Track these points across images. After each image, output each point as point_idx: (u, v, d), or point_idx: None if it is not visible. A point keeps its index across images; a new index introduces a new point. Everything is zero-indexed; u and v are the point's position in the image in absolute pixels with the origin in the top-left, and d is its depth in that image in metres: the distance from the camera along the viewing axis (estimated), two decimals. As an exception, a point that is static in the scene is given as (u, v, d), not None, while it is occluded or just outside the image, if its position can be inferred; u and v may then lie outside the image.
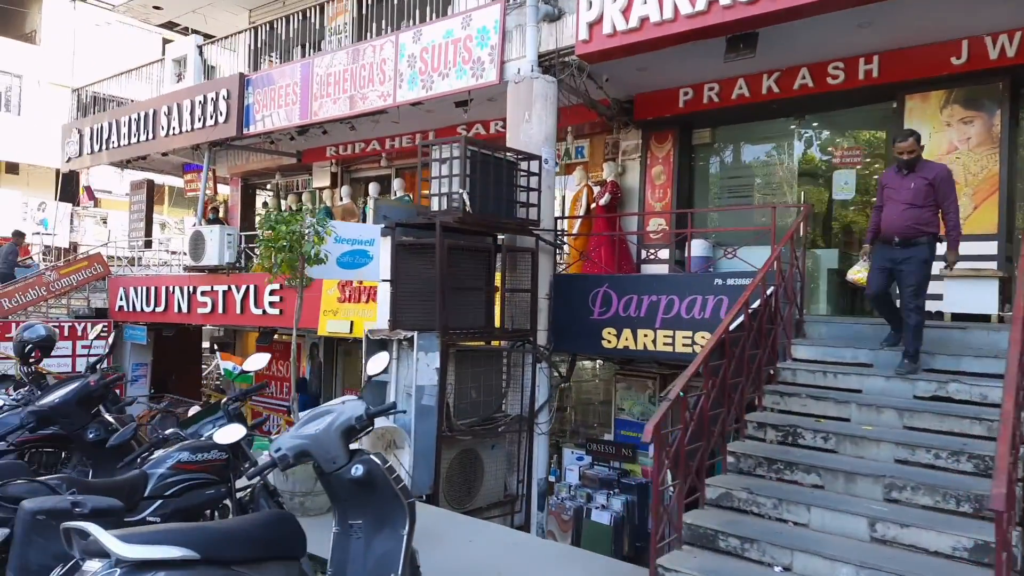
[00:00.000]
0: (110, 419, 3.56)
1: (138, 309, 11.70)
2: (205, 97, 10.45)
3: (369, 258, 5.21)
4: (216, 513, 3.25)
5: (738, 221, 7.72)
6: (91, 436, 3.42)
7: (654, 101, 7.86)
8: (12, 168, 26.29)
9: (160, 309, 11.29)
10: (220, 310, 10.34)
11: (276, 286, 9.63)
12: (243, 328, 12.97)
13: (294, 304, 9.86)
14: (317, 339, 12.23)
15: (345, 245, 4.98)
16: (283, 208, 12.57)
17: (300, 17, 10.68)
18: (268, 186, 14.24)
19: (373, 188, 10.61)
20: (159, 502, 2.97)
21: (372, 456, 2.68)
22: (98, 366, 4.21)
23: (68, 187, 27.90)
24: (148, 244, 14.77)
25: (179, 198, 25.82)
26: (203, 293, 10.60)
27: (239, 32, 12.12)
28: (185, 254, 14.78)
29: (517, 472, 6.21)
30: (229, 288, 10.21)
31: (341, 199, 11.06)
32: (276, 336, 11.93)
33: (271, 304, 9.62)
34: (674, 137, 7.93)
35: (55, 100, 26.37)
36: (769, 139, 7.66)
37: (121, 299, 12.02)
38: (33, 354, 4.68)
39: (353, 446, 2.71)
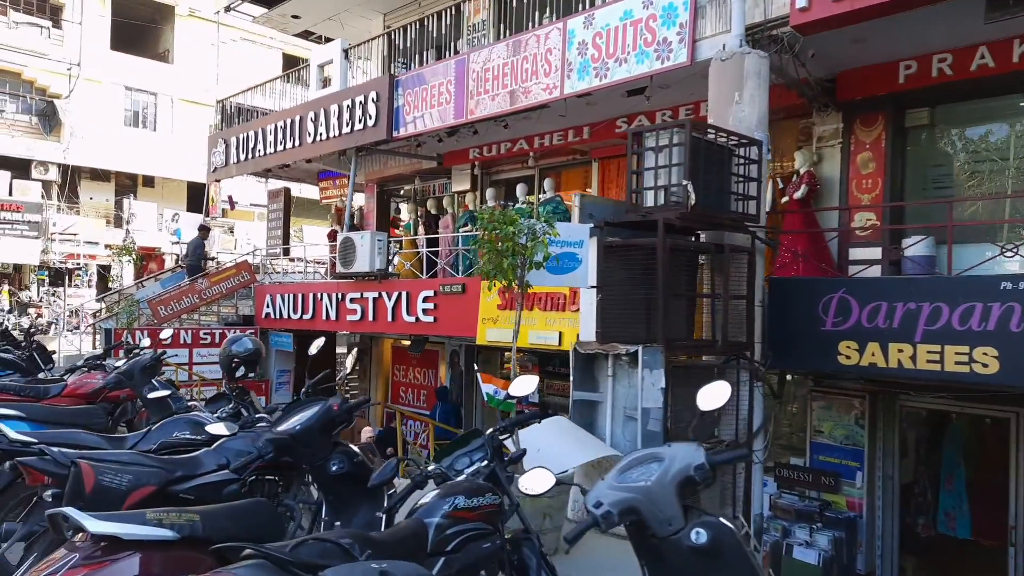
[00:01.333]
0: (354, 448, 3.17)
1: (284, 316, 11.77)
2: (353, 101, 10.31)
3: (578, 261, 4.65)
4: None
5: (960, 215, 6.69)
6: (334, 469, 3.03)
7: (863, 78, 6.91)
8: (148, 181, 27.93)
9: (307, 316, 11.29)
10: (370, 317, 10.16)
11: (431, 292, 9.37)
12: (381, 335, 12.87)
13: (449, 311, 9.64)
14: (457, 346, 11.93)
15: (555, 248, 4.44)
16: (417, 214, 12.37)
17: (435, 19, 10.40)
18: (402, 192, 14.15)
19: (521, 189, 10.13)
20: (442, 560, 2.50)
21: (719, 519, 2.13)
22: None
23: (198, 199, 29.45)
24: (286, 252, 15.04)
25: (298, 207, 26.67)
26: (352, 300, 10.47)
27: (373, 38, 12.04)
28: (317, 261, 15.08)
29: (732, 507, 5.48)
30: (380, 295, 10.01)
31: (485, 202, 10.68)
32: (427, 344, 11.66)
33: (424, 312, 9.32)
34: (885, 119, 6.94)
35: (186, 116, 27.87)
36: (1010, 117, 6.56)
37: (267, 306, 12.15)
38: (241, 369, 4.44)
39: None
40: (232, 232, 28.47)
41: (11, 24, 22.96)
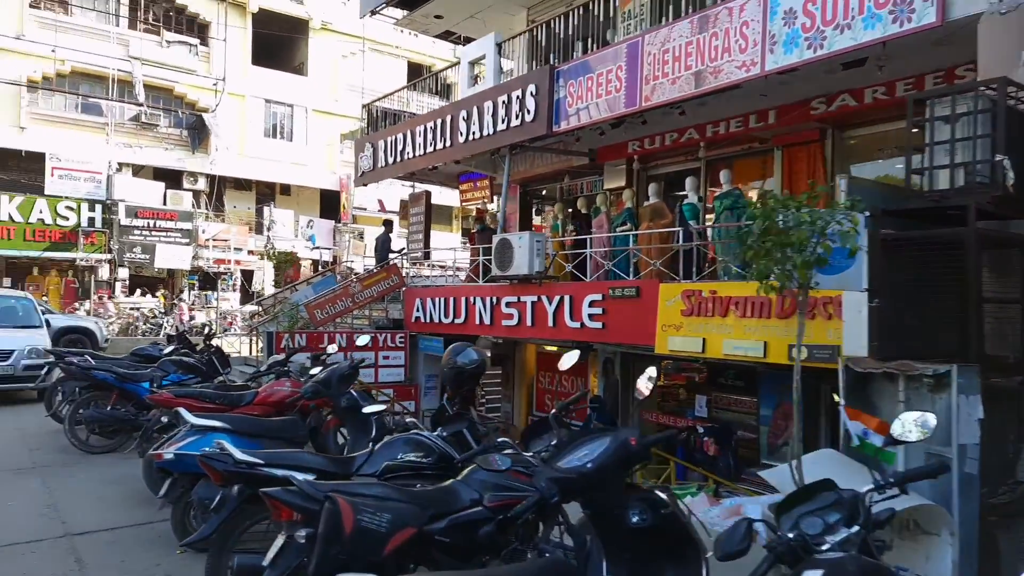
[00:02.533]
0: (661, 495, 2.57)
1: (434, 320, 11.49)
2: (509, 96, 9.84)
3: (850, 259, 3.80)
4: None
5: None
6: (635, 521, 2.41)
7: None
8: (285, 189, 29.06)
9: (459, 320, 10.93)
10: (528, 322, 9.63)
11: (598, 296, 8.70)
12: (525, 340, 12.38)
13: (620, 317, 8.95)
14: (612, 354, 11.23)
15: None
16: (565, 215, 11.77)
17: (580, 12, 9.74)
18: (544, 192, 13.63)
19: (690, 183, 9.27)
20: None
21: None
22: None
23: (329, 205, 30.41)
24: (427, 255, 14.90)
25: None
26: (508, 304, 9.99)
27: (520, 33, 11.53)
28: (451, 265, 14.84)
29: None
30: (539, 299, 9.46)
31: (648, 198, 9.91)
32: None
33: (591, 317, 8.66)
34: None
35: (318, 127, 28.82)
36: None
37: (417, 310, 11.92)
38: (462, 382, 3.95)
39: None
40: (362, 238, 29.13)
41: (164, 43, 24.40)
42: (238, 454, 3.34)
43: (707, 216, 9.49)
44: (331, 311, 11.84)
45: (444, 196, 30.15)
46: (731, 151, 9.60)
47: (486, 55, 10.56)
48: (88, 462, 6.92)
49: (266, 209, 27.31)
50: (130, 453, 7.17)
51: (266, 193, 28.58)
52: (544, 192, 13.54)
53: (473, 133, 10.52)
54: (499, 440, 3.80)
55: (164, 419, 5.31)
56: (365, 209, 29.19)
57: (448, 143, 11.10)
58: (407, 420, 3.97)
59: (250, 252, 26.35)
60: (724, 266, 8.04)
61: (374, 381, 11.18)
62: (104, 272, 23.48)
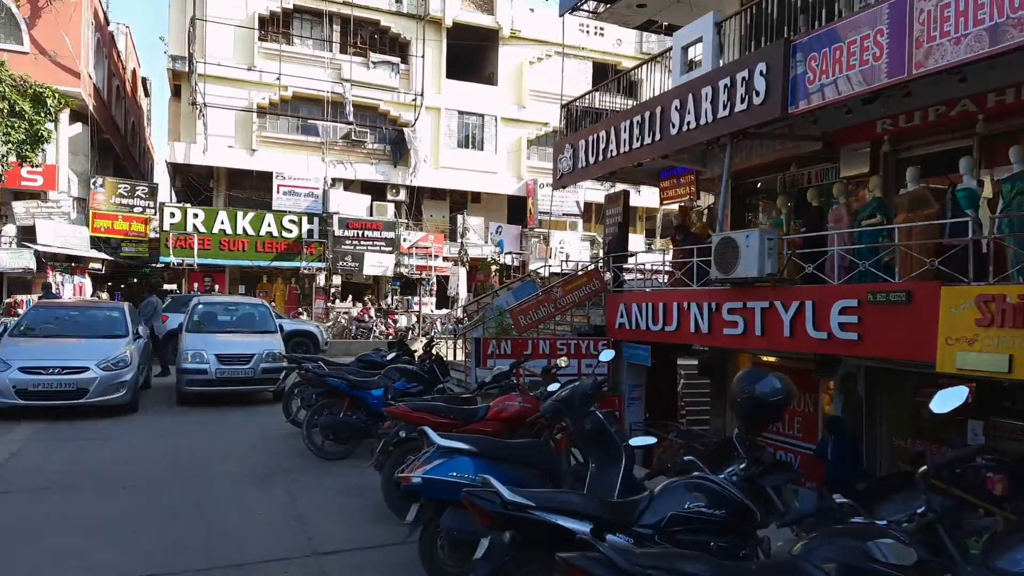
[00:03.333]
0: None
1: (641, 327, 10.77)
2: (733, 79, 8.85)
3: None
4: None
5: None
6: None
7: None
8: (476, 197, 29.83)
9: (670, 328, 10.11)
10: (757, 331, 8.59)
11: (852, 302, 7.47)
12: (753, 351, 11.24)
13: (881, 327, 7.63)
14: (855, 368, 9.80)
15: None
16: (788, 208, 10.46)
17: None
18: (759, 184, 12.36)
19: (965, 164, 7.68)
20: None
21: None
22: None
23: (515, 212, 30.78)
24: (625, 258, 14.21)
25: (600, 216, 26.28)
26: (731, 311, 9.02)
27: (739, 11, 10.44)
28: (647, 267, 13.98)
29: None
30: (771, 305, 8.40)
31: (906, 185, 8.43)
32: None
33: (842, 327, 7.45)
34: None
35: (505, 135, 29.23)
36: None
37: (621, 316, 11.28)
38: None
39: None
40: (547, 242, 29.11)
41: (370, 64, 25.94)
42: (507, 493, 2.87)
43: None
44: (534, 317, 11.53)
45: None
46: (1018, 124, 7.87)
47: (702, 37, 9.65)
48: (324, 468, 7.04)
49: (459, 217, 28.11)
50: (362, 460, 7.22)
51: (459, 201, 29.47)
52: (759, 185, 12.27)
53: (688, 123, 9.64)
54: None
55: (402, 434, 5.12)
56: (548, 214, 29.11)
57: (657, 137, 10.32)
58: (685, 459, 3.31)
59: (445, 258, 27.27)
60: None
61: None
62: (321, 280, 25.45)
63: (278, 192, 25.14)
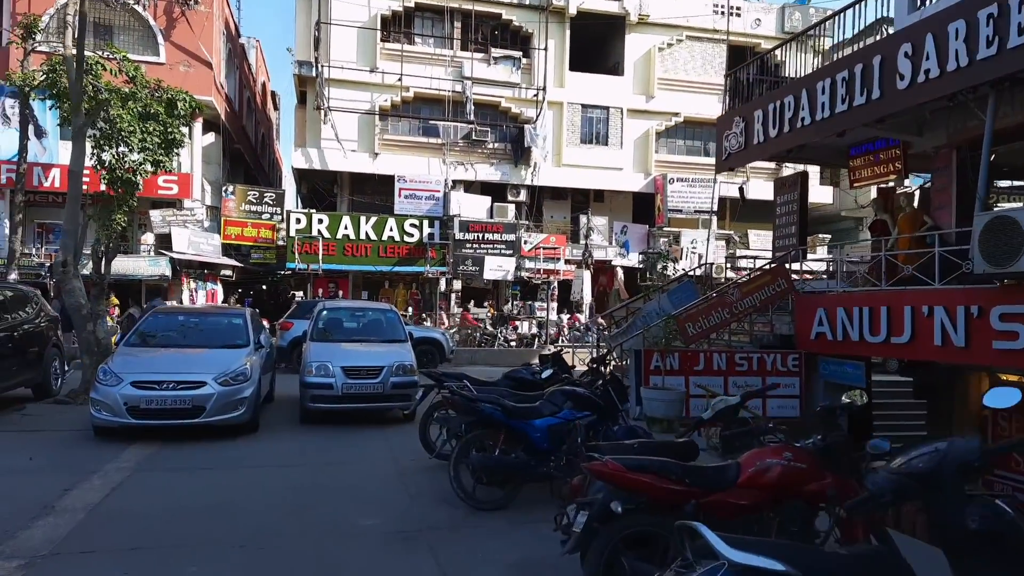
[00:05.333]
0: None
1: (851, 338, 8.44)
2: (1003, 4, 6.51)
3: None
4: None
5: None
6: None
7: None
8: (599, 196, 27.86)
9: (899, 339, 7.73)
10: (1054, 345, 6.17)
11: None
12: (975, 368, 8.65)
13: None
14: None
15: None
16: None
17: None
18: (999, 155, 9.66)
19: None
20: None
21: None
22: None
23: (641, 210, 28.49)
24: (803, 252, 11.83)
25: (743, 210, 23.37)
26: (1007, 318, 6.61)
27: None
28: (844, 263, 11.36)
29: None
30: (1082, 308, 5.97)
31: None
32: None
33: None
34: None
35: (631, 128, 27.03)
36: None
37: (819, 324, 8.96)
38: None
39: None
40: (678, 241, 26.65)
41: (491, 60, 24.59)
42: None
43: None
44: (704, 325, 9.42)
45: (762, 189, 26.34)
46: None
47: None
48: (480, 524, 5.31)
49: (582, 217, 26.22)
50: (527, 513, 5.47)
51: (580, 201, 27.60)
52: (998, 156, 9.57)
53: (925, 72, 7.28)
54: None
55: (617, 508, 3.27)
56: (680, 211, 26.65)
57: (874, 95, 7.98)
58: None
59: (567, 261, 25.45)
60: None
61: (761, 415, 8.48)
62: (442, 284, 24.32)
63: (399, 196, 24.26)
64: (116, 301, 18.24)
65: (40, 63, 15.31)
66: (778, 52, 12.52)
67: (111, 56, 12.67)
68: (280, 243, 23.80)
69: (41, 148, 20.29)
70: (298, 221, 22.92)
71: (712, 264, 16.04)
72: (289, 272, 25.20)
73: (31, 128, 19.41)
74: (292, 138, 26.09)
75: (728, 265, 16.48)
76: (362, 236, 23.37)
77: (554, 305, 24.91)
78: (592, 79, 25.91)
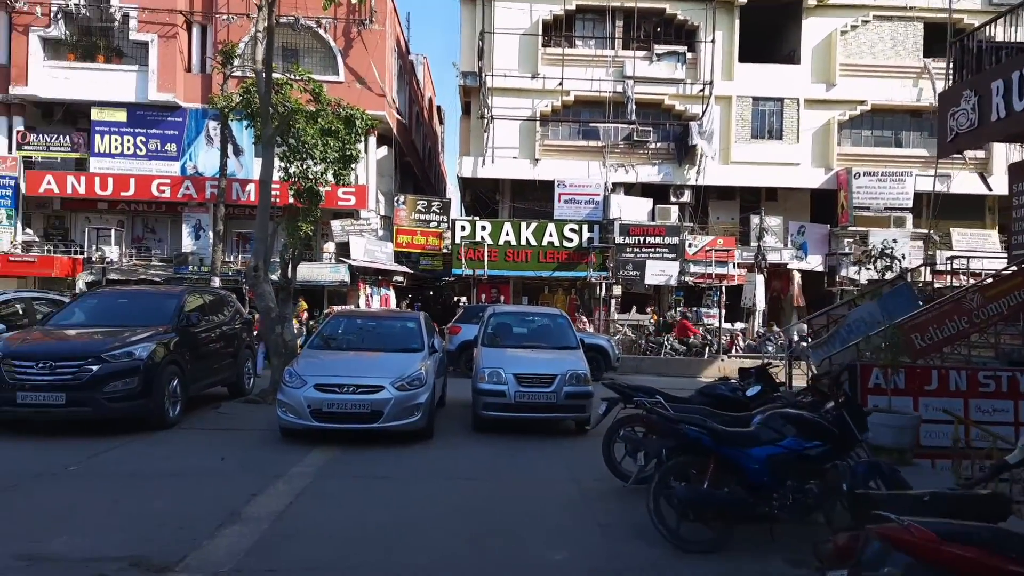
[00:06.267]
0: None
1: None
2: None
3: None
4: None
5: None
6: None
7: None
8: (771, 194, 25.66)
9: None
10: None
11: None
12: None
13: None
14: None
15: None
16: None
17: None
18: None
19: None
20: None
21: None
22: None
23: (821, 209, 25.81)
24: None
25: (943, 208, 20.12)
26: None
27: None
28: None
29: None
30: None
31: None
32: None
33: None
34: None
35: (809, 119, 24.50)
36: None
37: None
38: None
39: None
40: (865, 241, 23.75)
41: (653, 58, 23.44)
42: None
43: None
44: (936, 336, 7.81)
45: (967, 183, 22.74)
46: None
47: None
48: (685, 569, 4.43)
49: (753, 217, 24.22)
50: (737, 560, 4.51)
51: (750, 200, 25.57)
52: None
53: None
54: None
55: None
56: (867, 209, 23.79)
57: None
58: None
59: (737, 265, 23.57)
60: None
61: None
62: (600, 289, 23.45)
63: (559, 200, 23.76)
64: (306, 305, 19.28)
65: (237, 86, 16.49)
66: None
67: (298, 77, 13.31)
68: (445, 250, 24.19)
69: (239, 165, 22.07)
70: (462, 228, 23.12)
71: (910, 268, 13.82)
72: (453, 278, 25.58)
73: (230, 147, 21.17)
74: (456, 149, 26.58)
75: (929, 268, 14.15)
76: (523, 242, 23.13)
77: (721, 312, 23.15)
78: (764, 70, 23.92)
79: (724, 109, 23.91)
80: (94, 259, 22.09)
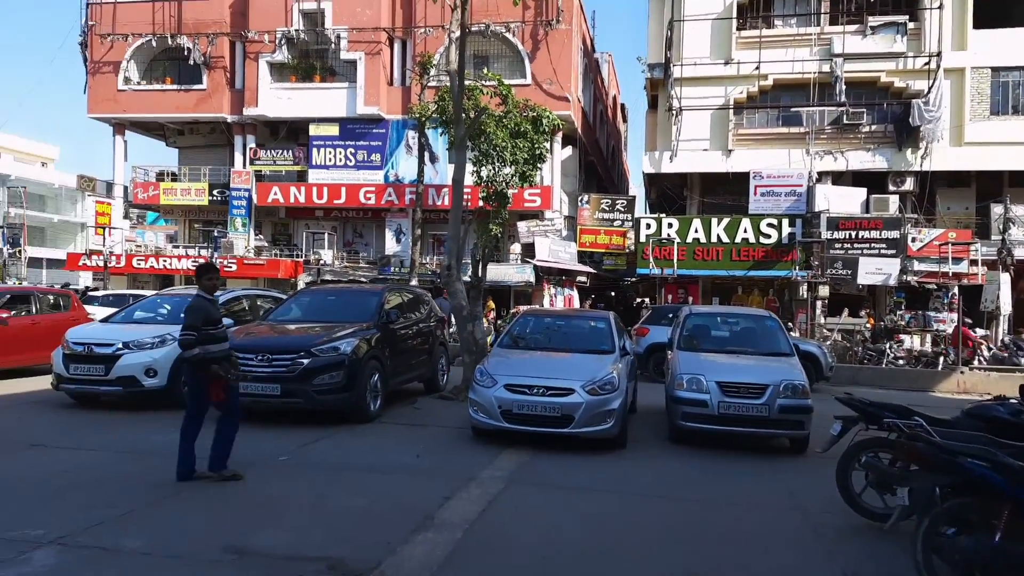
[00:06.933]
0: None
1: None
2: None
3: None
4: None
5: None
6: None
7: None
8: (1018, 179, 21.63)
9: None
10: None
11: None
12: None
13: None
14: None
15: None
16: None
17: None
18: None
19: None
20: None
21: None
22: None
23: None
24: None
25: None
26: None
27: None
28: None
29: None
30: None
31: None
32: None
33: None
34: None
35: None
36: None
37: None
38: None
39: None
40: None
41: (867, 31, 20.76)
42: None
43: None
44: None
45: None
46: None
47: None
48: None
49: (995, 207, 20.57)
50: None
51: (988, 186, 21.79)
52: None
53: None
54: None
55: None
56: None
57: None
58: None
59: (972, 262, 20.08)
60: None
61: None
62: (802, 290, 21.19)
63: (755, 193, 21.91)
64: (492, 305, 19.59)
65: (433, 96, 17.08)
66: None
67: (488, 82, 13.50)
68: (629, 249, 23.37)
69: (434, 171, 23.02)
70: (647, 226, 22.16)
71: None
72: (637, 278, 24.65)
73: (426, 154, 22.13)
74: (641, 146, 25.65)
75: None
76: (713, 239, 21.63)
77: (952, 316, 19.85)
78: (1006, 36, 20.29)
79: (955, 83, 20.61)
80: (311, 261, 24.29)
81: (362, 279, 22.77)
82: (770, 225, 21.38)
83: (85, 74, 25.34)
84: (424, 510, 5.03)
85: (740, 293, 22.86)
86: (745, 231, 21.49)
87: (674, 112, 21.68)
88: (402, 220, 24.06)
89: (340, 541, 4.38)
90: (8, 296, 11.50)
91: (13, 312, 11.16)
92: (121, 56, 24.95)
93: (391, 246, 24.44)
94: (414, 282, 20.59)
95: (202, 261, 6.48)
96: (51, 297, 12.45)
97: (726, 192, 22.98)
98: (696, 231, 21.78)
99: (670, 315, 14.63)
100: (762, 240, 21.42)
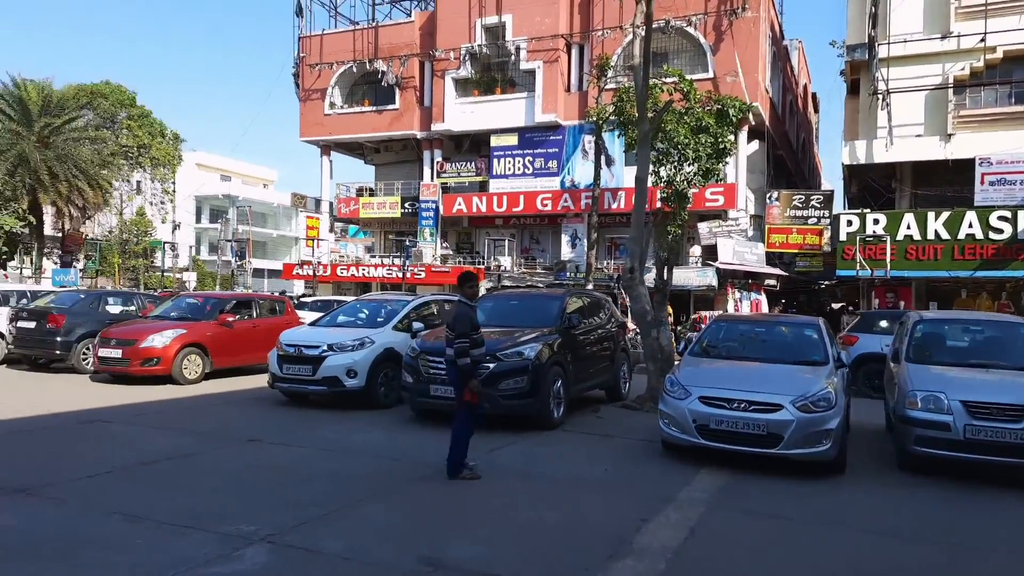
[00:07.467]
0: None
1: None
2: None
3: None
4: None
5: None
6: None
7: None
8: None
9: None
10: None
11: None
12: None
13: None
14: None
15: None
16: None
17: None
18: None
19: None
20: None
21: None
22: None
23: None
24: None
25: None
26: None
27: None
28: None
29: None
30: None
31: None
32: None
33: None
34: None
35: None
36: None
37: None
38: None
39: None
40: None
41: None
42: None
43: None
44: None
45: None
46: None
47: None
48: None
49: None
50: None
51: None
52: None
53: None
54: None
55: None
56: None
57: None
58: None
59: None
60: None
61: None
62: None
63: (982, 182, 18.75)
64: (671, 311, 18.66)
65: (611, 98, 16.65)
66: None
67: (668, 79, 12.88)
68: (826, 249, 21.11)
69: (610, 175, 22.54)
70: (849, 223, 19.80)
71: None
72: (835, 281, 22.23)
73: (603, 158, 21.70)
74: (836, 137, 23.18)
75: None
76: (929, 236, 18.80)
77: None
78: None
79: None
80: (492, 268, 24.90)
81: (539, 284, 22.87)
82: (1001, 218, 18.16)
83: (297, 101, 28.22)
84: (620, 533, 4.57)
85: (964, 297, 19.69)
86: (970, 226, 18.44)
87: (880, 96, 19.23)
88: (577, 225, 23.86)
89: (533, 561, 4.06)
90: (233, 302, 12.83)
91: (237, 316, 12.42)
92: (327, 83, 27.44)
93: (566, 251, 24.34)
94: (590, 286, 20.24)
95: (466, 270, 6.76)
96: (269, 303, 13.76)
97: (944, 182, 19.94)
98: (908, 227, 19.08)
99: (882, 321, 12.85)
100: (991, 236, 18.25)
